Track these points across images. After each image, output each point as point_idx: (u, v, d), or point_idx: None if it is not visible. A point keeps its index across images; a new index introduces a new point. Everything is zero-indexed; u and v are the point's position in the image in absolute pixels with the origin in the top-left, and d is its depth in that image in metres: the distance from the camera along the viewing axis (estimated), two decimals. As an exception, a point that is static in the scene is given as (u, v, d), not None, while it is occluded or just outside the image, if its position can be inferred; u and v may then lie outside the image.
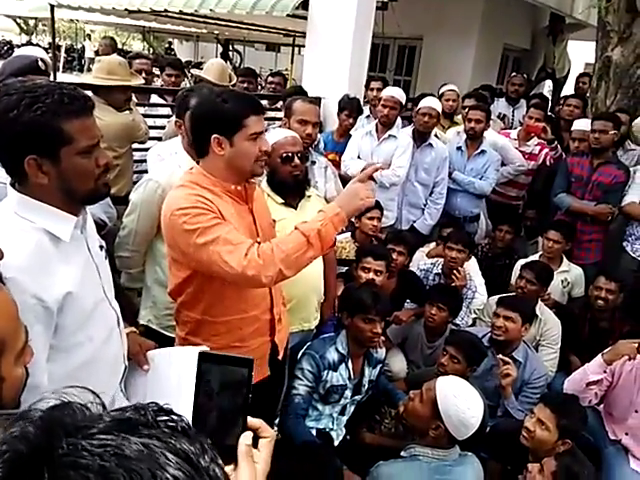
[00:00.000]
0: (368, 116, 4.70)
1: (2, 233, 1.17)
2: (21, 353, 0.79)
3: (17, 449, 0.42)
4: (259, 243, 1.77)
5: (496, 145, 4.28)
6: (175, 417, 0.48)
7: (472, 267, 3.63)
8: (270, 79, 5.26)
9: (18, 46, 22.73)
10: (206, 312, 1.80)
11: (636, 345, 2.49)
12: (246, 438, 0.71)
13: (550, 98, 7.20)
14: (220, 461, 0.46)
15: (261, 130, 1.69)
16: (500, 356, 2.69)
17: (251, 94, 1.78)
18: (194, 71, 4.23)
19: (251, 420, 0.74)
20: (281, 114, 4.06)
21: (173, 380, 1.25)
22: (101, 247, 1.46)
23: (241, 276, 1.57)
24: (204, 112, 1.69)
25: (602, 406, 2.77)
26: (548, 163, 4.41)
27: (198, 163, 1.78)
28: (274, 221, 2.10)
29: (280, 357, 2.05)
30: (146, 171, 3.42)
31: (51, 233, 1.23)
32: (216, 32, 11.64)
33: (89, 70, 17.26)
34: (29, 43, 22.38)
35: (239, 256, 1.55)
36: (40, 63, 2.41)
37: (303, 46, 6.34)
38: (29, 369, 0.86)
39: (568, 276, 3.70)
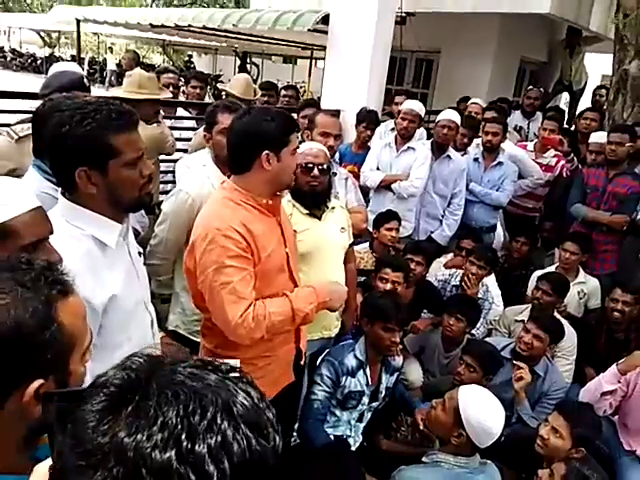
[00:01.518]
0: (393, 129, 4.77)
1: (54, 239, 1.27)
2: (85, 352, 0.88)
3: (130, 371, 0.56)
4: (287, 254, 1.86)
5: (515, 158, 4.34)
6: (242, 375, 0.60)
7: (489, 279, 3.67)
8: (284, 92, 5.38)
9: (41, 59, 23.32)
10: None
11: None
12: None
13: (567, 111, 7.24)
14: (273, 410, 0.58)
15: (299, 145, 1.82)
16: (517, 362, 2.73)
17: (281, 111, 1.88)
18: (220, 86, 4.35)
19: None
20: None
21: None
22: (140, 253, 1.56)
23: (230, 329, 1.70)
24: (253, 130, 1.74)
25: (617, 417, 2.79)
26: (565, 175, 4.45)
27: (228, 177, 1.85)
28: (295, 232, 2.17)
29: (302, 362, 2.11)
30: (172, 182, 3.55)
31: (98, 240, 1.33)
32: (235, 45, 11.85)
33: (110, 82, 17.63)
34: (52, 56, 22.94)
35: (237, 311, 1.66)
36: (85, 80, 2.55)
37: (321, 59, 6.48)
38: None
39: (584, 287, 3.72)
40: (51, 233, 1.15)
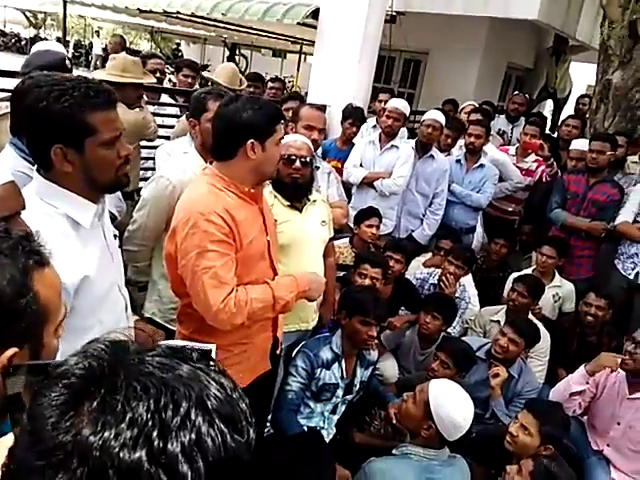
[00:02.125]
0: (375, 126, 4.79)
1: (27, 216, 1.25)
2: (59, 326, 0.87)
3: (93, 360, 0.51)
4: (268, 242, 1.86)
5: (497, 161, 4.39)
6: (215, 360, 0.57)
7: (466, 279, 3.71)
8: (270, 84, 5.38)
9: (26, 39, 22.85)
10: None
11: (618, 359, 2.57)
12: None
13: (550, 118, 7.34)
14: (247, 400, 0.55)
15: (284, 136, 1.82)
16: (494, 363, 2.77)
17: (265, 101, 1.88)
18: (206, 74, 4.31)
19: None
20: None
21: None
22: (115, 236, 1.54)
23: (212, 314, 1.70)
24: (240, 118, 1.73)
25: (586, 417, 2.85)
26: (544, 180, 4.51)
27: (211, 163, 1.84)
28: (275, 221, 2.17)
29: (278, 352, 2.12)
30: (152, 168, 3.51)
31: (72, 219, 1.31)
32: (224, 36, 11.76)
33: (95, 66, 17.37)
34: (37, 37, 22.49)
35: (219, 296, 1.66)
36: (67, 62, 2.50)
37: (310, 54, 6.46)
38: None
39: (559, 291, 3.78)
40: (23, 208, 1.13)
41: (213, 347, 0.97)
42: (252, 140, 1.71)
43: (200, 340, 1.86)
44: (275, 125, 1.75)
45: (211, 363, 0.56)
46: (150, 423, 0.46)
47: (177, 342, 1.57)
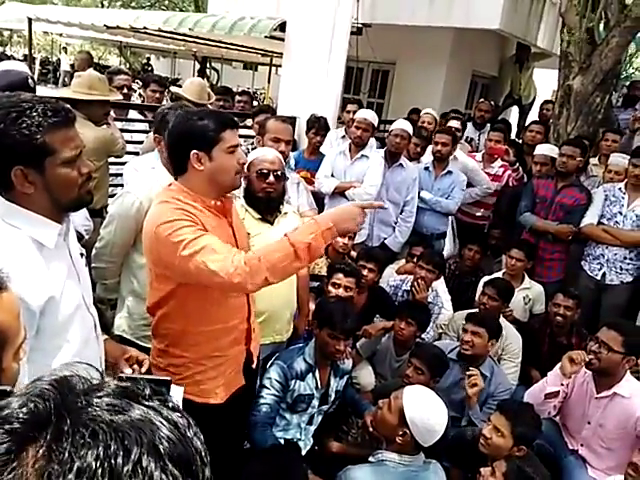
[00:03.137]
0: (343, 136, 4.85)
1: None
2: (19, 349, 0.86)
3: (37, 402, 0.48)
4: None
5: (466, 167, 4.49)
6: (167, 397, 0.55)
7: (439, 284, 3.76)
8: (238, 98, 5.40)
9: (-8, 57, 22.43)
10: (188, 323, 1.83)
11: (583, 353, 2.60)
12: None
13: (517, 124, 7.51)
14: (202, 437, 0.53)
15: (237, 143, 1.76)
16: (471, 369, 2.80)
17: (217, 110, 1.89)
18: (173, 89, 4.32)
19: None
20: (249, 132, 4.20)
21: None
22: (82, 255, 1.53)
23: (228, 283, 1.59)
24: (181, 130, 1.74)
25: (558, 417, 2.90)
26: (511, 184, 4.62)
27: (176, 179, 1.83)
28: (248, 234, 2.18)
29: (254, 366, 2.11)
30: (121, 185, 3.49)
31: (36, 240, 1.30)
32: (194, 49, 11.75)
33: (64, 83, 17.15)
34: (3, 54, 22.13)
35: (226, 265, 1.58)
36: (30, 80, 2.48)
37: (280, 66, 6.52)
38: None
39: (529, 293, 3.86)
40: None
41: (169, 379, 0.95)
42: (195, 151, 1.69)
43: (174, 354, 1.87)
44: (219, 133, 1.70)
45: (165, 398, 0.54)
46: (100, 472, 0.44)
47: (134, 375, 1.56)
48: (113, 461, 0.44)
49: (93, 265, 2.26)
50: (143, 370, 1.60)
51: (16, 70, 2.60)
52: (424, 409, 2.03)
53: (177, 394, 1.54)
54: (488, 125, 5.85)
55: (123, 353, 1.64)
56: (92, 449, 0.44)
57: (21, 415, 0.47)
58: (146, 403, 0.51)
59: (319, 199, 4.05)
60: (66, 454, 0.44)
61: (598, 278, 3.91)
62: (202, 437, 0.53)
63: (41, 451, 0.45)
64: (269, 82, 12.91)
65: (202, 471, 0.51)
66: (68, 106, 1.36)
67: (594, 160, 4.82)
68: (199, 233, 1.63)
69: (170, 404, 0.53)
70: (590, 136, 4.85)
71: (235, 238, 1.88)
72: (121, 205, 2.20)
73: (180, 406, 0.55)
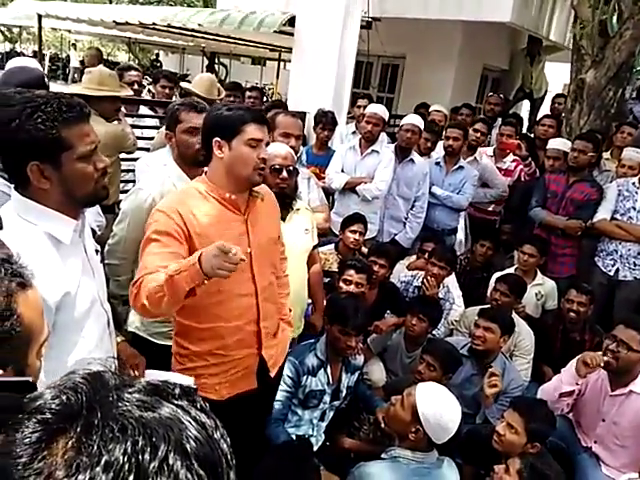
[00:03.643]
0: (354, 132, 4.83)
1: (6, 235, 1.24)
2: (41, 346, 0.87)
3: (70, 394, 0.49)
4: (250, 254, 1.83)
5: (485, 169, 4.49)
6: (196, 397, 0.54)
7: (450, 280, 3.74)
8: (248, 93, 5.39)
9: (1, 54, 22.59)
10: (190, 317, 1.85)
11: (598, 355, 2.57)
12: None
13: (528, 118, 7.44)
14: (228, 440, 0.53)
15: (260, 138, 1.77)
16: (493, 368, 2.78)
17: (249, 106, 1.91)
18: (183, 84, 4.31)
19: None
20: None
21: None
22: (96, 251, 1.54)
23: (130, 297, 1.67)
24: (208, 119, 1.84)
25: (572, 414, 2.88)
26: (523, 179, 4.58)
27: (187, 174, 1.86)
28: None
29: (272, 374, 2.03)
30: (133, 181, 3.50)
31: (52, 235, 1.30)
32: (203, 45, 11.75)
33: (74, 79, 17.22)
34: (13, 51, 22.26)
35: (137, 275, 1.65)
36: (46, 79, 2.49)
37: (288, 61, 6.51)
38: None
39: (542, 289, 3.83)
40: (0, 228, 1.13)
41: (192, 381, 0.94)
42: (217, 138, 1.76)
43: (182, 344, 1.90)
44: (242, 125, 1.74)
45: (194, 399, 0.54)
46: (126, 467, 0.44)
47: (158, 373, 1.55)
48: (140, 457, 0.45)
49: (106, 262, 2.26)
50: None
51: (30, 67, 2.60)
52: (437, 406, 2.02)
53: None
54: (499, 119, 5.80)
55: (134, 358, 1.65)
56: (120, 444, 0.45)
57: (53, 406, 0.48)
58: (175, 402, 0.51)
59: (329, 195, 4.04)
60: (95, 447, 0.45)
61: (611, 274, 3.88)
62: (229, 440, 0.53)
63: (70, 442, 0.45)
64: (277, 77, 12.89)
65: (227, 473, 0.51)
66: (82, 101, 1.36)
67: (606, 154, 4.76)
68: (156, 237, 1.69)
69: (199, 405, 0.53)
70: (603, 130, 4.80)
71: (248, 236, 1.85)
72: (134, 202, 2.20)
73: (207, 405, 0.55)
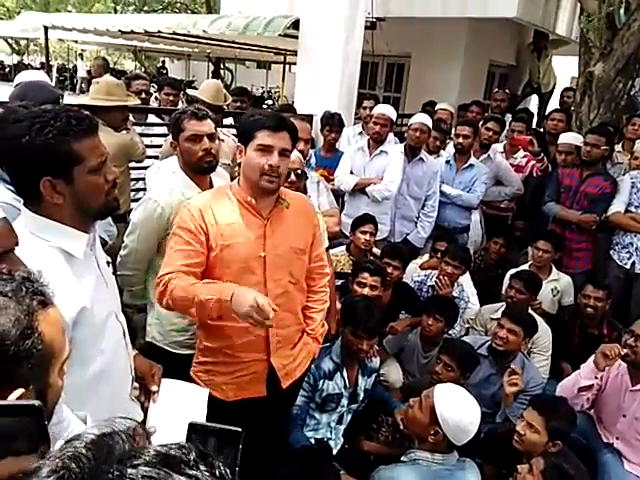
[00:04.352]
0: (361, 132, 4.82)
1: (21, 252, 1.24)
2: (63, 364, 0.87)
3: (70, 467, 0.45)
4: (264, 259, 1.84)
5: (499, 168, 4.47)
6: (215, 462, 0.50)
7: (465, 279, 3.71)
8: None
9: (10, 66, 22.85)
10: None
11: (616, 349, 2.53)
12: None
13: (537, 112, 7.38)
14: None
15: (271, 145, 1.77)
16: (513, 366, 2.75)
17: (271, 112, 1.96)
18: (190, 91, 4.31)
19: None
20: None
21: (179, 415, 1.36)
22: (108, 263, 1.54)
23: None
24: (239, 125, 1.99)
25: (592, 410, 2.84)
26: (535, 175, 4.54)
27: (195, 182, 1.98)
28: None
29: (284, 385, 2.00)
30: (144, 189, 3.51)
31: (65, 251, 1.30)
32: (208, 51, 11.80)
33: (81, 90, 17.38)
34: (20, 63, 22.51)
35: (160, 272, 1.82)
36: (61, 100, 2.51)
37: (294, 64, 6.51)
38: None
39: (558, 285, 3.79)
40: (17, 245, 1.13)
41: (207, 392, 0.90)
42: (239, 144, 1.86)
43: (200, 338, 2.00)
44: (254, 131, 1.78)
45: (212, 463, 0.49)
46: None
47: (175, 382, 1.53)
48: None
49: (119, 273, 2.27)
50: (147, 404, 1.59)
51: (48, 87, 2.60)
52: (456, 408, 2.00)
53: (202, 397, 1.54)
54: (508, 115, 5.76)
55: (150, 369, 1.64)
56: None
57: None
58: (188, 472, 0.46)
59: (338, 197, 4.03)
60: None
61: (627, 267, 3.83)
62: None
63: None
64: (283, 80, 12.92)
65: None
66: (90, 114, 1.36)
67: (618, 147, 4.70)
68: (183, 237, 1.81)
69: (217, 472, 0.49)
70: (613, 123, 4.74)
71: (265, 241, 1.85)
72: (143, 212, 2.20)
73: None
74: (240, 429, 0.73)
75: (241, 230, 1.81)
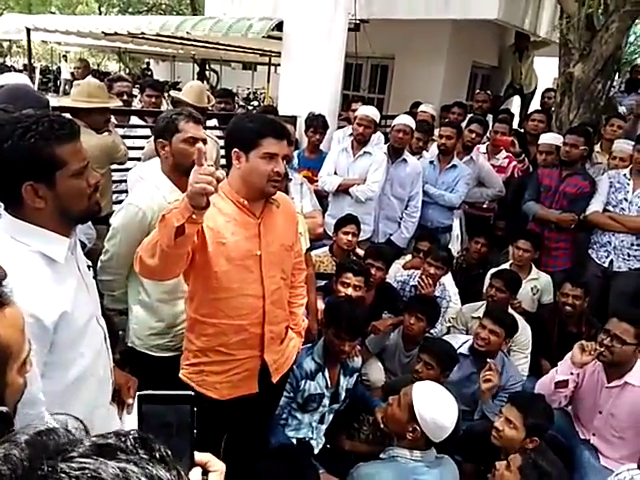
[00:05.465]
0: (351, 134, 4.83)
1: (1, 257, 1.24)
2: (24, 364, 0.87)
3: (0, 470, 0.44)
4: (260, 257, 1.89)
5: (482, 169, 4.52)
6: (154, 445, 0.49)
7: (446, 278, 3.75)
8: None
9: (-8, 68, 22.52)
10: (197, 311, 1.92)
11: (593, 343, 2.59)
12: (195, 474, 0.72)
13: (519, 113, 7.46)
14: None
15: (277, 152, 1.82)
16: (490, 360, 2.80)
17: (271, 118, 1.95)
18: (173, 93, 4.31)
19: (199, 455, 0.75)
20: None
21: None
22: (89, 267, 1.54)
23: None
24: (230, 129, 1.95)
25: (570, 407, 2.89)
26: (516, 175, 4.60)
27: (177, 185, 1.93)
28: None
29: (275, 380, 2.07)
30: (125, 191, 3.50)
31: (46, 255, 1.30)
32: (193, 52, 11.76)
33: (65, 91, 17.20)
34: (3, 65, 22.23)
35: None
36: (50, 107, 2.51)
37: (279, 65, 6.52)
38: (27, 386, 0.94)
39: (537, 283, 3.85)
40: None
41: (190, 394, 0.93)
42: (235, 149, 1.84)
43: (189, 338, 1.98)
44: (259, 139, 1.80)
45: (152, 447, 0.48)
46: None
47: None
48: None
49: (99, 278, 2.27)
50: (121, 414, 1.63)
51: (37, 95, 2.58)
52: (433, 405, 2.04)
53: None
54: (489, 116, 5.82)
55: (127, 381, 1.66)
56: None
57: None
58: (125, 457, 0.46)
59: (322, 197, 4.06)
60: None
61: (606, 265, 3.90)
62: None
63: None
64: (268, 82, 12.91)
65: None
66: (72, 118, 1.37)
67: (597, 147, 4.79)
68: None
69: (158, 454, 0.48)
70: (592, 123, 4.82)
71: (260, 239, 1.90)
72: (124, 217, 2.19)
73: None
74: (192, 393, 0.74)
75: (237, 229, 1.85)
